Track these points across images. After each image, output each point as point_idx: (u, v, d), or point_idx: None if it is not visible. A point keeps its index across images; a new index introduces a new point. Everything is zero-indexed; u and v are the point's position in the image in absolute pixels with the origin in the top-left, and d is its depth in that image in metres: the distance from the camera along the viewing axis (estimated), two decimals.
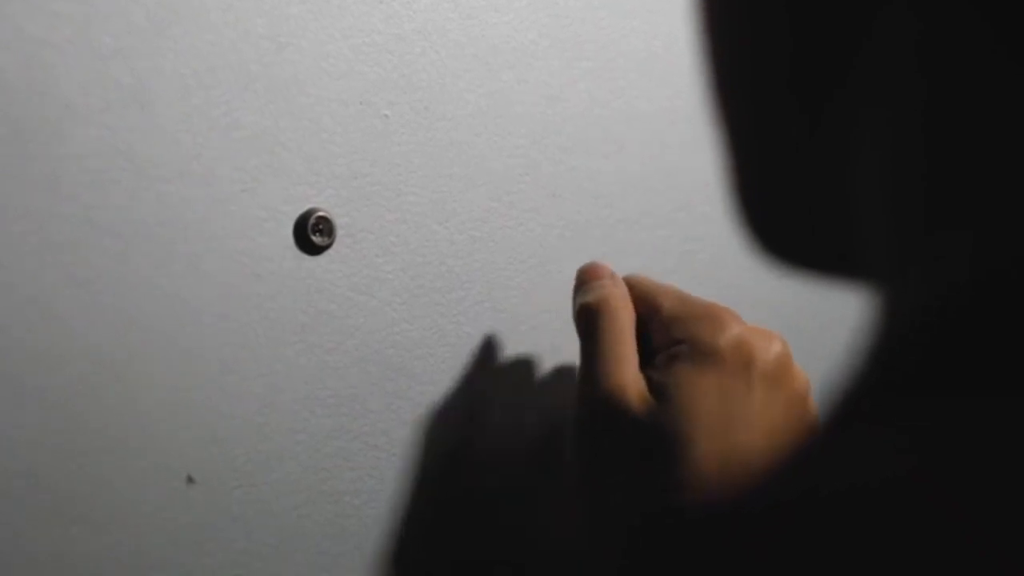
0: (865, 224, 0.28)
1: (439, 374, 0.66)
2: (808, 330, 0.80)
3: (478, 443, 0.67)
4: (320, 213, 0.60)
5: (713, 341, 0.59)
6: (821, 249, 0.31)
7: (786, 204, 0.31)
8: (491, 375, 0.67)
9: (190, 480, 0.57)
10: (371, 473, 0.63)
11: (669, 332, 0.61)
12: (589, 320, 0.62)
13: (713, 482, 0.56)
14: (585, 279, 0.65)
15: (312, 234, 0.60)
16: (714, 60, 0.31)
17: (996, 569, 0.19)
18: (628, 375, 0.60)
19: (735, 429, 0.58)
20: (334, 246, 0.61)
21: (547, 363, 0.69)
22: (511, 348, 0.68)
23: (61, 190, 0.53)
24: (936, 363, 0.24)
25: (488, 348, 0.67)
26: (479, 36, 0.67)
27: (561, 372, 0.70)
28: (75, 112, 0.54)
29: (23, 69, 0.52)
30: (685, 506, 0.25)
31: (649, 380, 0.60)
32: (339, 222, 0.61)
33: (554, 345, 0.70)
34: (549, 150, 0.69)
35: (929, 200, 0.26)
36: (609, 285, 0.64)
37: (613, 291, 0.63)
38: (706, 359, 0.59)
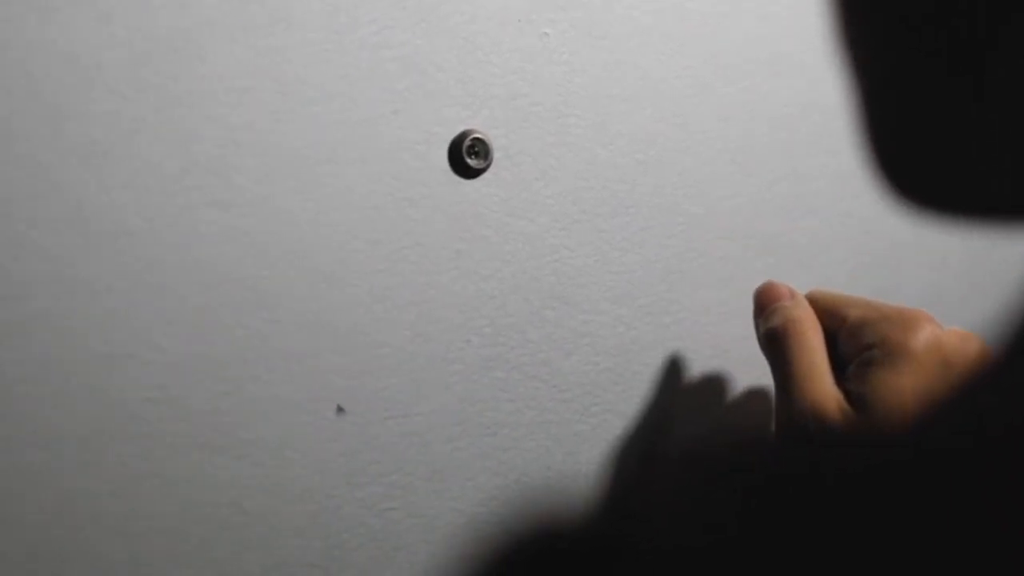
0: (1016, 164, 0.25)
1: (603, 303, 0.63)
2: (970, 280, 0.75)
3: (644, 374, 0.64)
4: (476, 135, 0.58)
5: (905, 340, 0.58)
6: (970, 193, 0.28)
7: (931, 147, 0.28)
8: (658, 305, 0.64)
9: (340, 410, 0.56)
10: (530, 404, 0.61)
11: (858, 339, 0.60)
12: (777, 343, 0.61)
13: None
14: (765, 302, 0.63)
15: (467, 156, 0.58)
16: None
17: None
18: (825, 390, 0.59)
19: None
20: (491, 169, 0.59)
21: (719, 292, 0.65)
22: (679, 276, 0.65)
23: (204, 110, 0.52)
24: None
25: (655, 276, 0.64)
26: None
27: (726, 302, 0.67)
28: (218, 29, 0.52)
29: None
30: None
31: (846, 392, 0.59)
32: (496, 144, 0.59)
33: (727, 275, 0.67)
34: (720, 70, 0.66)
35: None
36: (791, 306, 0.62)
37: (796, 311, 0.62)
38: (899, 360, 0.58)
